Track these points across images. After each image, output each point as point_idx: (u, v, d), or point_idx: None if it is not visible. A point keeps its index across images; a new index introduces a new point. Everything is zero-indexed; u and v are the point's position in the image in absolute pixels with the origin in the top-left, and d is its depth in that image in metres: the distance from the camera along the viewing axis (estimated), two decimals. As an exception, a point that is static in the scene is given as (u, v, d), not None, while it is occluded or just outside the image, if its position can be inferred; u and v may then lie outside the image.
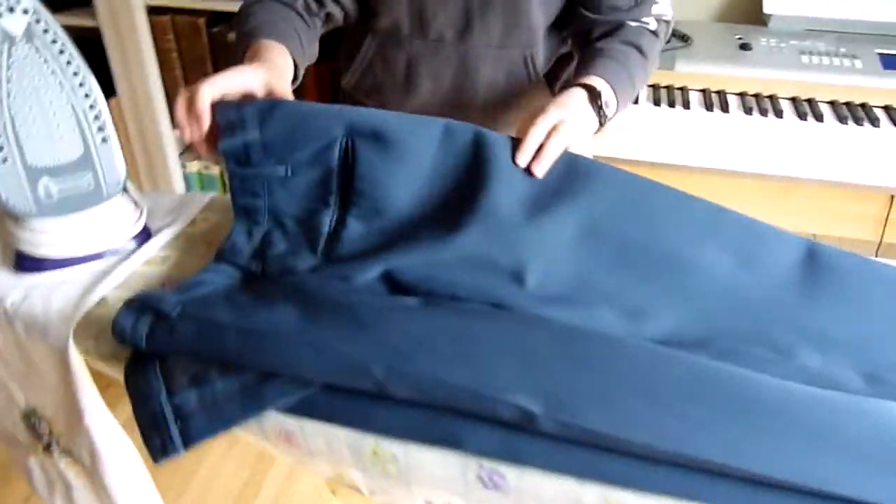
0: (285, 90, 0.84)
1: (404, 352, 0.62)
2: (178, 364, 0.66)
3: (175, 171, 1.93)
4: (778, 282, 0.75)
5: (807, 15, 1.64)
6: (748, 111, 1.46)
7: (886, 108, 1.46)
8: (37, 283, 0.80)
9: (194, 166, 1.96)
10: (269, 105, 0.79)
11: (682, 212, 0.79)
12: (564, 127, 0.79)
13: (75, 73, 0.77)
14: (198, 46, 1.74)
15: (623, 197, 0.79)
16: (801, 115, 1.45)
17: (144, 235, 0.87)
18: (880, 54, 1.54)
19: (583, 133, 0.82)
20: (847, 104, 1.48)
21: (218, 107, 0.79)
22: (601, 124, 0.87)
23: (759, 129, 1.44)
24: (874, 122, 1.42)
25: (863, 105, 1.47)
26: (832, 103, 1.49)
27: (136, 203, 0.88)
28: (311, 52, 0.97)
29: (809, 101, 1.50)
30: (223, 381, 0.65)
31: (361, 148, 0.80)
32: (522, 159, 0.79)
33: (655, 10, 0.95)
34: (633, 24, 0.94)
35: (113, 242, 0.84)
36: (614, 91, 0.88)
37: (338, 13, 1.01)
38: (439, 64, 0.98)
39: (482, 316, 0.68)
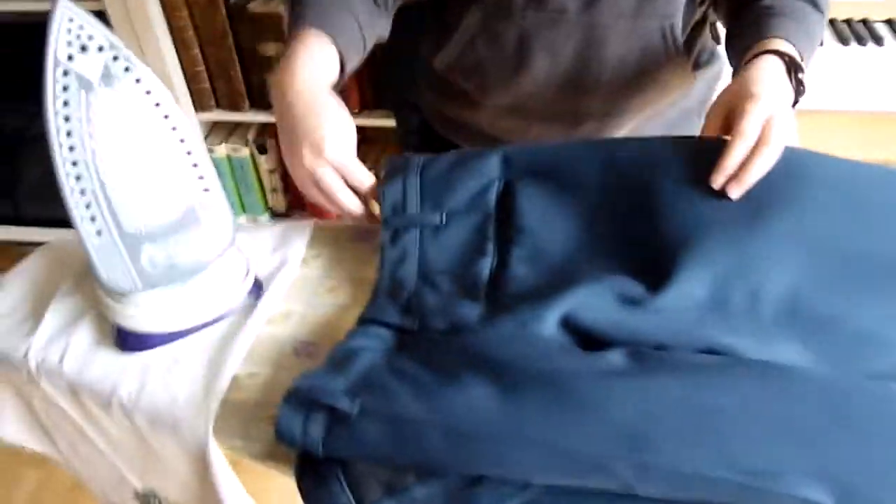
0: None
1: (646, 439, 0.51)
2: (365, 470, 0.56)
3: (201, 157, 1.78)
4: None
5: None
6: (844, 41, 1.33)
7: None
8: (150, 364, 0.69)
9: (222, 150, 1.80)
10: (432, 157, 0.76)
11: None
12: (775, 130, 0.64)
13: (166, 117, 0.64)
14: (216, 21, 1.57)
15: (839, 194, 0.66)
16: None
17: (256, 289, 0.75)
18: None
19: (791, 125, 0.68)
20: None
21: (389, 157, 0.76)
22: (795, 102, 0.71)
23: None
24: None
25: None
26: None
27: (239, 250, 0.75)
28: (376, 33, 0.84)
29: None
30: (424, 487, 0.55)
31: (520, 185, 0.72)
32: (720, 179, 0.65)
33: None
34: None
35: (226, 304, 0.72)
36: (801, 58, 0.73)
37: None
38: (558, 38, 0.84)
39: (711, 374, 0.57)
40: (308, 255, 0.80)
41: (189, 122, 0.67)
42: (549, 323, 0.63)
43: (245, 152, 1.81)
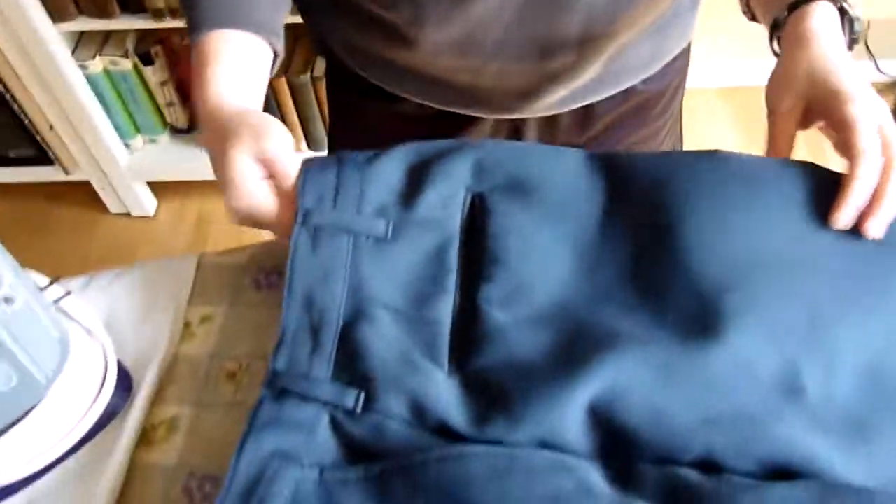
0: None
1: None
2: None
3: (73, 75, 1.46)
4: None
5: None
6: None
7: None
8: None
9: (97, 64, 1.48)
10: (378, 152, 0.54)
11: None
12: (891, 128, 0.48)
13: None
14: None
15: None
16: None
17: (124, 385, 0.54)
18: None
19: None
20: None
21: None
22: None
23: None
24: None
25: None
26: None
27: (88, 331, 0.54)
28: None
29: None
30: None
31: (495, 199, 0.52)
32: (847, 215, 0.48)
33: None
34: None
35: (83, 423, 0.51)
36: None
37: None
38: None
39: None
40: (194, 318, 0.58)
41: None
42: (570, 421, 0.44)
43: (127, 65, 1.50)
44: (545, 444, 0.44)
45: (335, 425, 0.46)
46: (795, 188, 0.51)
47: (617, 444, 0.44)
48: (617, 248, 0.50)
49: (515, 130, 0.77)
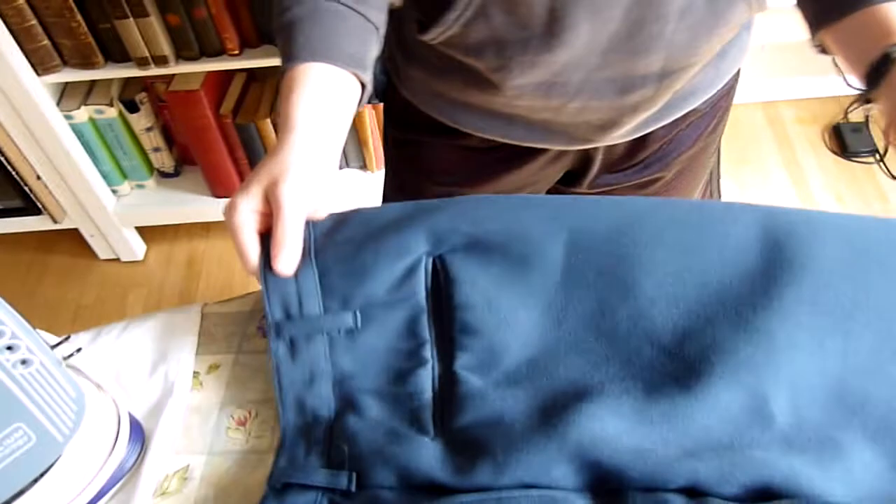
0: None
1: None
2: None
3: (59, 125, 1.47)
4: None
5: None
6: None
7: None
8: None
9: (82, 114, 1.50)
10: (332, 224, 0.56)
11: None
12: None
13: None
14: (36, -37, 1.23)
15: (861, 247, 0.53)
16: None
17: (137, 439, 0.55)
18: None
19: None
20: None
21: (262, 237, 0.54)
22: None
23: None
24: None
25: None
26: None
27: (99, 386, 0.55)
28: (380, 37, 0.64)
29: None
30: None
31: (455, 262, 0.53)
32: None
33: None
34: None
35: (98, 478, 0.52)
36: None
37: None
38: (604, 1, 0.61)
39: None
40: (201, 368, 0.59)
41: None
42: (555, 464, 0.46)
43: (112, 113, 1.51)
44: (532, 486, 0.45)
45: None
46: (746, 229, 0.54)
47: (604, 480, 0.46)
48: (582, 299, 0.52)
49: (580, 159, 0.79)
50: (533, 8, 0.61)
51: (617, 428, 0.46)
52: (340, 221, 0.57)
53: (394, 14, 0.69)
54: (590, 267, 0.53)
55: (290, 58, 0.57)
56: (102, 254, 1.79)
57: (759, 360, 0.48)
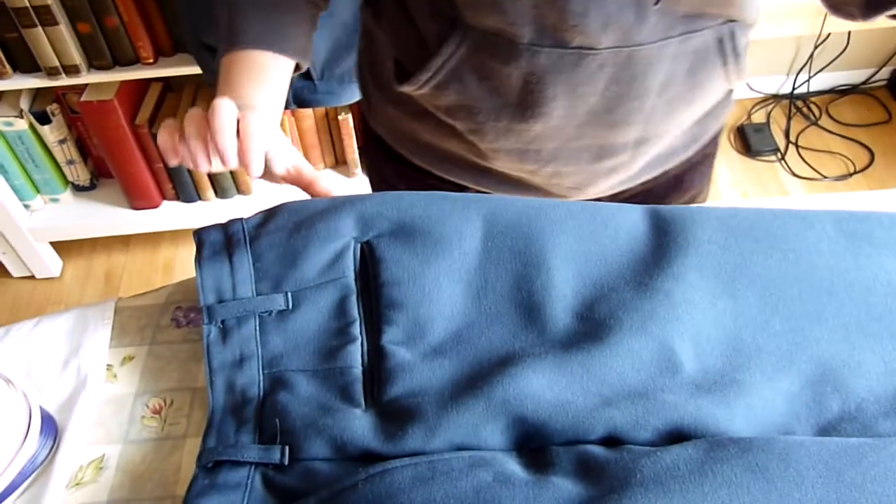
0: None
1: None
2: None
3: (-35, 139, 1.43)
4: None
5: None
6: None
7: None
8: None
9: (-10, 126, 1.46)
10: (264, 216, 0.59)
11: (812, 229, 0.59)
12: None
13: None
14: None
15: (737, 229, 0.58)
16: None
17: (49, 431, 0.54)
18: None
19: None
20: None
21: (198, 231, 0.59)
22: None
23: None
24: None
25: None
26: None
27: (8, 381, 0.54)
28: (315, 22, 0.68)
29: None
30: None
31: (383, 246, 0.56)
32: None
33: None
34: None
35: (8, 472, 0.52)
36: None
37: None
38: (582, 79, 0.61)
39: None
40: (115, 360, 0.59)
41: None
42: (483, 424, 0.48)
43: (22, 125, 1.48)
44: (462, 448, 0.48)
45: (267, 481, 0.49)
46: (635, 223, 0.59)
47: (529, 437, 0.48)
48: (499, 276, 0.55)
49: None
50: (508, 78, 0.61)
51: (539, 383, 0.49)
52: (272, 213, 0.59)
53: (373, 46, 0.72)
54: (504, 247, 0.56)
55: (230, 43, 0.62)
56: (16, 272, 1.73)
57: (662, 314, 0.52)
